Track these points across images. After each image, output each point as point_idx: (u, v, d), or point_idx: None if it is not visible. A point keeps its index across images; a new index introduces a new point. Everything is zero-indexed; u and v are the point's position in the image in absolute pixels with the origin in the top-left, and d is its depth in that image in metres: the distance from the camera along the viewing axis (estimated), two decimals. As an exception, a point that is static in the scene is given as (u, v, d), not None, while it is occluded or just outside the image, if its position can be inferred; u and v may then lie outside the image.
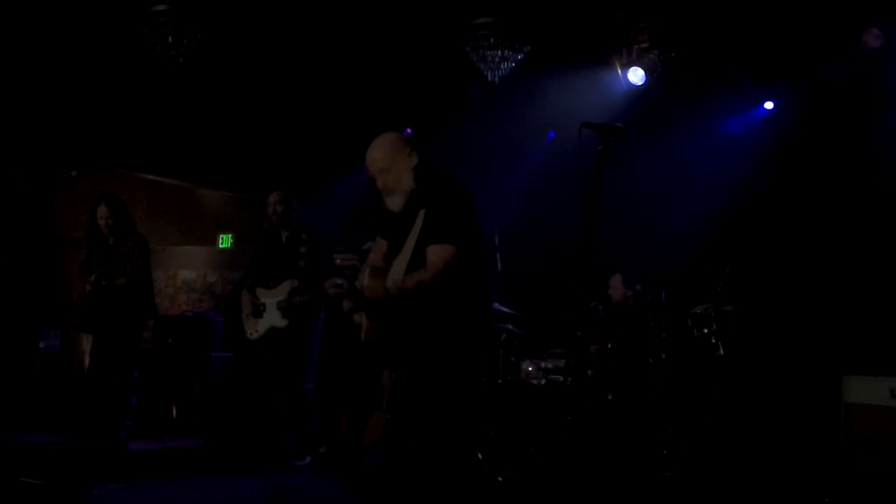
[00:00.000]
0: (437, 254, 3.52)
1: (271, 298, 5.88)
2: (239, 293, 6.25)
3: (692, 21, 6.73)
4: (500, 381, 6.11)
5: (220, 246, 10.52)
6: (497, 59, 6.64)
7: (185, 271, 9.70)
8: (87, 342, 6.27)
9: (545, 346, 6.64)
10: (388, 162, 3.73)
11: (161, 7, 6.30)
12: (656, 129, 7.44)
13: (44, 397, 7.35)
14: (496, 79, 6.74)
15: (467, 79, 7.21)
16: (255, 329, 5.91)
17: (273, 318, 5.85)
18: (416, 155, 3.77)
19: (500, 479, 5.61)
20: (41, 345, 7.64)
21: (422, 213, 3.64)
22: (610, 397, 6.05)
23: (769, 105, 7.43)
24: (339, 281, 3.63)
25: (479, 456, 5.73)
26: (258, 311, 5.90)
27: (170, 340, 7.41)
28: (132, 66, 7.11)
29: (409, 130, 8.90)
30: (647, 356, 6.18)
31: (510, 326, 6.44)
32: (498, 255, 6.79)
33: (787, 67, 6.95)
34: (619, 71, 7.37)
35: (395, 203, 3.74)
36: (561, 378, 5.96)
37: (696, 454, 5.69)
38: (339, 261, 6.35)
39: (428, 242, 3.56)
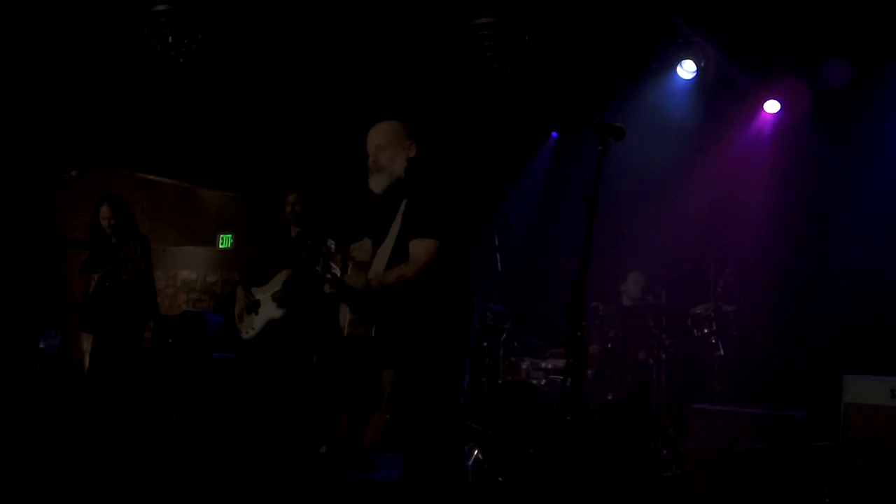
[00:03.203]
0: (419, 248, 3.47)
1: (265, 293, 5.78)
2: (238, 292, 6.21)
3: (694, 21, 6.73)
4: (500, 381, 6.11)
5: (220, 246, 10.53)
6: (497, 58, 6.63)
7: (185, 271, 9.72)
8: (87, 342, 6.26)
9: (545, 346, 6.63)
10: (388, 141, 3.73)
11: (161, 7, 6.30)
12: (656, 128, 7.43)
13: (44, 397, 7.35)
14: (496, 78, 6.73)
15: (467, 79, 7.20)
16: (251, 327, 5.80)
17: (269, 310, 5.72)
18: (416, 149, 3.74)
19: (500, 479, 5.62)
20: (41, 345, 7.64)
21: (404, 203, 3.62)
22: (610, 397, 6.05)
23: (772, 106, 7.41)
24: (328, 275, 3.56)
25: (480, 456, 5.74)
26: (252, 306, 5.79)
27: (170, 340, 7.40)
28: (132, 66, 7.10)
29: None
30: (647, 356, 6.18)
31: (510, 326, 6.43)
32: (498, 255, 6.78)
33: (789, 68, 6.94)
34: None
35: (377, 183, 3.70)
36: (561, 378, 5.96)
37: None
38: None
39: (411, 236, 3.52)
